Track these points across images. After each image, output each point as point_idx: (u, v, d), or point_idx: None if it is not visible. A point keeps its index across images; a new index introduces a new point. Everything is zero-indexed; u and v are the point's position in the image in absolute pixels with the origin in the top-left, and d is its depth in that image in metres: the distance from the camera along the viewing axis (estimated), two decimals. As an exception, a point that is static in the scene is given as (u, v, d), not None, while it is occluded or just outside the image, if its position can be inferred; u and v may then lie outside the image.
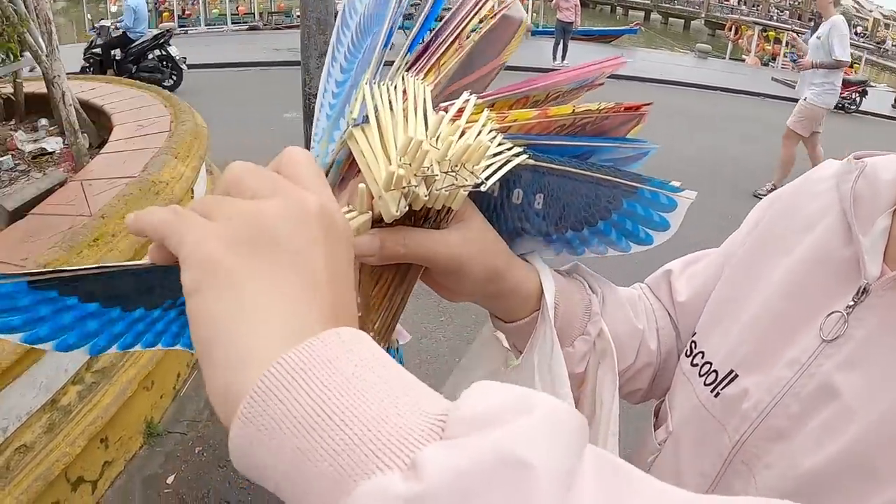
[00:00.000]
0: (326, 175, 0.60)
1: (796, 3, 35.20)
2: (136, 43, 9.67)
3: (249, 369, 0.33)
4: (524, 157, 0.60)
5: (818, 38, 6.74)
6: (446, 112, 0.58)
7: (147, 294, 0.52)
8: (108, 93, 5.36)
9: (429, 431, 0.31)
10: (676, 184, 0.68)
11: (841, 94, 15.20)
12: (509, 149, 0.59)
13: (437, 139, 0.53)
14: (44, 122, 5.26)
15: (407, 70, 0.63)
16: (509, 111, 0.63)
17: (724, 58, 21.32)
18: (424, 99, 0.59)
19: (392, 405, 0.32)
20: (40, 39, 4.25)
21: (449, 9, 0.71)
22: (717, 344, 0.71)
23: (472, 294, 0.66)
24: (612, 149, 0.69)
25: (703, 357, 0.72)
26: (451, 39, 0.65)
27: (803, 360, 0.62)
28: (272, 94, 10.60)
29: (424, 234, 0.57)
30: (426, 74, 0.64)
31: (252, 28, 18.89)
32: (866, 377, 0.58)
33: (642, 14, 40.01)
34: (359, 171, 0.57)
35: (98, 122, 4.90)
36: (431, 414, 0.32)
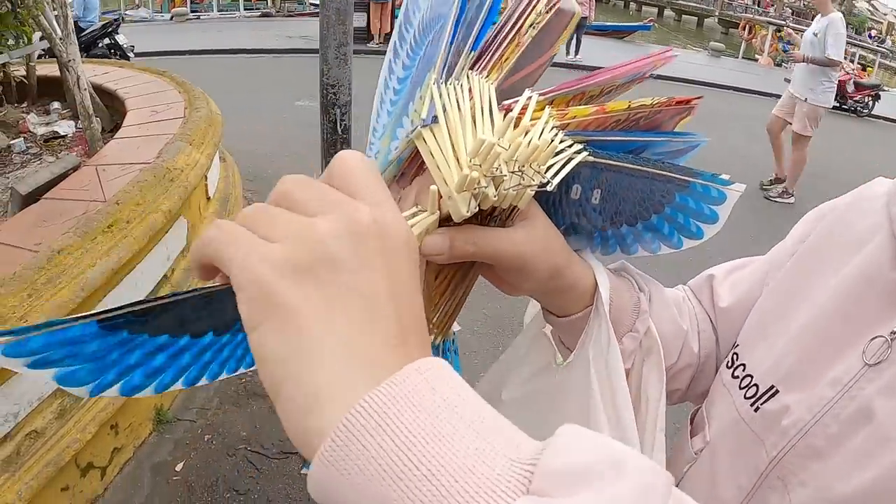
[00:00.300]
0: (385, 171, 0.61)
1: (808, 4, 35.01)
2: (86, 32, 9.59)
3: (326, 410, 0.32)
4: (585, 154, 0.60)
5: (814, 34, 6.62)
6: (510, 110, 0.57)
7: (219, 316, 0.50)
8: (122, 77, 5.35)
9: (516, 482, 0.30)
10: (726, 177, 0.69)
11: (853, 97, 15.29)
12: (570, 146, 0.59)
13: (504, 139, 0.53)
14: (56, 105, 5.26)
15: (471, 68, 0.63)
16: (568, 108, 0.64)
17: (737, 57, 21.22)
18: (490, 98, 0.59)
19: (479, 453, 0.31)
20: (55, 22, 4.24)
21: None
22: (759, 358, 0.71)
23: (532, 289, 0.67)
24: (664, 143, 0.70)
25: (744, 370, 0.71)
26: (511, 35, 0.65)
27: (845, 381, 0.61)
28: (284, 82, 10.59)
29: (492, 232, 0.58)
30: (490, 72, 0.64)
31: (264, 15, 18.86)
32: None
33: (656, 10, 39.90)
34: (420, 166, 0.58)
35: (111, 107, 4.89)
36: (519, 462, 0.31)
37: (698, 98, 0.70)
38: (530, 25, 0.65)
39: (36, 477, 2.17)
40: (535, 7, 0.66)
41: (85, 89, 3.98)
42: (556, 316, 0.71)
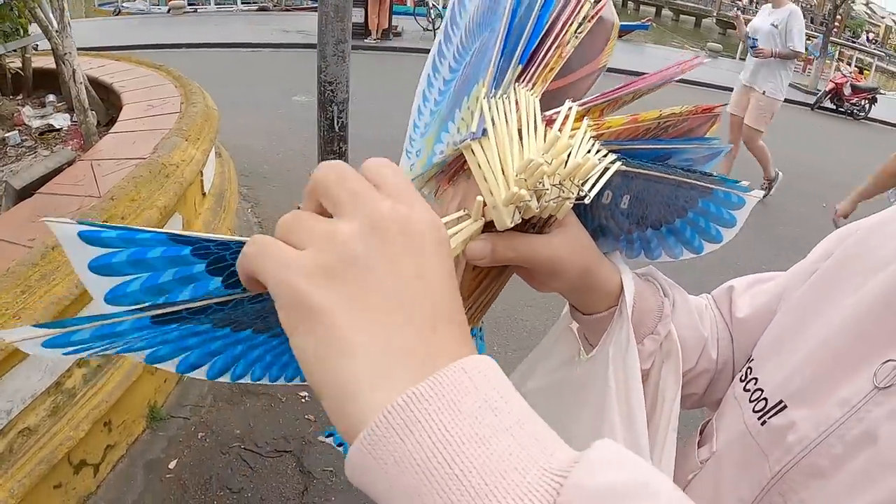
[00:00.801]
0: (428, 171, 0.66)
1: (809, 6, 35.09)
2: None
3: (364, 399, 0.34)
4: (619, 164, 0.63)
5: (774, 25, 6.48)
6: (551, 122, 0.62)
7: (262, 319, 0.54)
8: (118, 70, 5.32)
9: (545, 493, 0.32)
10: (745, 184, 0.74)
11: (850, 100, 15.34)
12: (605, 155, 0.63)
13: (548, 156, 0.56)
14: (51, 98, 5.24)
15: (517, 80, 0.65)
16: (602, 117, 0.67)
17: (734, 58, 21.26)
18: (535, 111, 0.62)
19: (512, 458, 0.33)
20: (51, 15, 4.22)
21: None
22: (772, 373, 0.70)
23: (562, 288, 0.70)
24: (690, 150, 0.73)
25: (756, 383, 0.71)
26: (555, 46, 0.67)
27: (853, 403, 0.60)
28: (281, 77, 10.57)
29: (532, 239, 0.62)
30: (535, 84, 0.65)
31: (262, 9, 18.80)
32: None
33: (654, 10, 39.94)
34: (462, 166, 0.63)
35: (107, 101, 4.87)
36: (550, 472, 0.33)
37: (722, 105, 0.75)
38: (573, 35, 0.67)
39: (29, 475, 2.16)
40: (578, 14, 0.68)
41: (81, 82, 3.95)
42: (581, 313, 0.75)
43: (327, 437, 0.78)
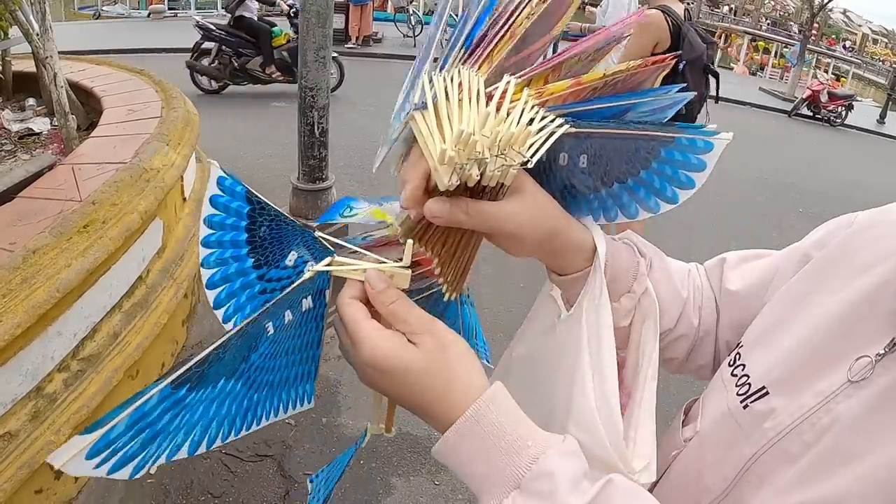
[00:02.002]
0: (391, 150, 0.71)
1: (786, 15, 35.41)
2: None
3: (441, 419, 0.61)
4: (565, 127, 0.65)
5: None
6: (491, 98, 0.65)
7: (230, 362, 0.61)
8: (99, 75, 5.29)
9: (519, 474, 0.56)
10: (713, 127, 0.74)
11: (827, 107, 15.51)
12: (552, 120, 0.65)
13: (487, 128, 0.60)
14: (31, 101, 5.19)
15: (463, 63, 0.69)
16: (546, 85, 0.70)
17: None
18: (479, 88, 0.65)
19: (508, 454, 0.56)
20: (31, 17, 4.19)
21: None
22: (758, 360, 0.73)
23: (532, 252, 0.74)
24: (646, 102, 0.73)
25: (743, 369, 0.74)
26: (504, 31, 0.70)
27: (826, 394, 0.63)
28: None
29: (483, 204, 0.66)
30: (480, 66, 0.69)
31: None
32: (875, 425, 0.59)
33: (633, 17, 40.04)
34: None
35: (87, 105, 4.84)
36: (523, 463, 0.56)
37: (674, 56, 0.75)
38: (526, 17, 0.70)
39: (10, 479, 2.14)
40: (529, 2, 0.71)
41: (62, 86, 3.93)
42: (557, 275, 0.79)
43: (311, 481, 0.84)
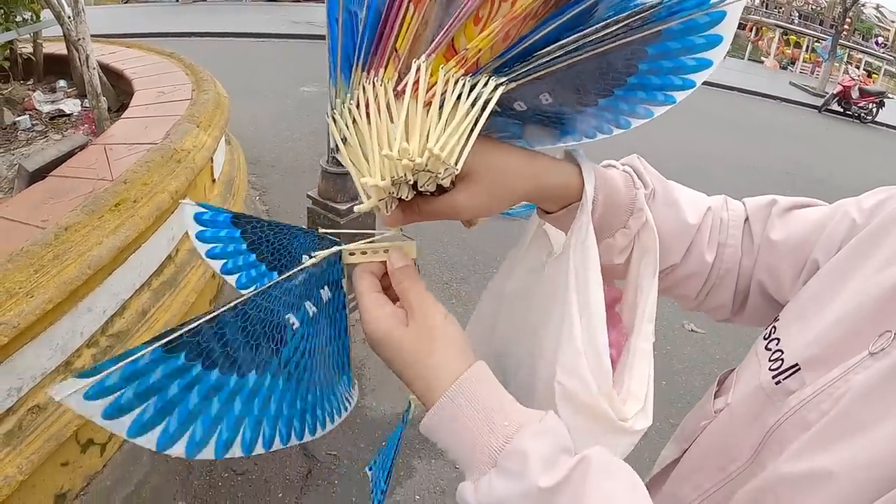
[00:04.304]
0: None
1: (819, 10, 34.93)
2: None
3: (434, 392, 0.62)
4: (498, 91, 0.61)
5: None
6: (402, 94, 0.61)
7: (255, 349, 0.58)
8: (129, 57, 5.35)
9: (494, 453, 0.58)
10: None
11: (857, 103, 15.29)
12: (485, 84, 0.61)
13: (405, 144, 0.58)
14: (62, 83, 5.26)
15: (365, 72, 0.64)
16: (469, 44, 0.60)
17: (742, 58, 21.19)
18: (388, 100, 0.62)
19: (485, 434, 0.59)
20: (63, 0, 4.24)
21: None
22: (793, 336, 0.73)
23: (509, 207, 0.73)
24: None
25: (777, 343, 0.74)
26: (395, 20, 0.61)
27: (849, 366, 0.63)
28: (289, 67, 10.58)
29: (433, 201, 0.67)
30: (386, 68, 0.63)
31: (271, -1, 18.82)
32: (888, 396, 0.59)
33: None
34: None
35: (117, 87, 4.90)
36: (498, 442, 0.58)
37: None
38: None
39: (37, 451, 2.18)
40: None
41: (94, 68, 3.98)
42: (546, 213, 0.77)
43: (368, 470, 0.83)
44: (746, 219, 0.85)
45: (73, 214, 2.46)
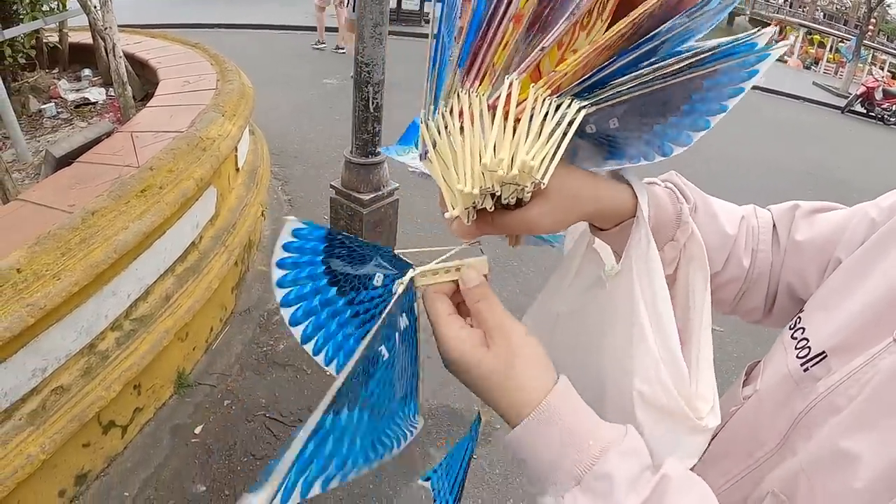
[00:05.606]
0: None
1: (844, 10, 34.59)
2: None
3: (519, 415, 0.63)
4: (582, 113, 0.63)
5: None
6: (494, 107, 0.61)
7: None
8: (154, 47, 5.40)
9: (580, 473, 0.59)
10: (764, 40, 0.66)
11: (881, 104, 15.14)
12: (569, 105, 0.62)
13: (499, 157, 0.59)
14: (87, 72, 5.32)
15: (461, 83, 0.63)
16: (558, 66, 0.62)
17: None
18: (482, 112, 0.62)
19: (571, 451, 0.60)
20: (90, -10, 4.28)
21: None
22: (819, 325, 0.74)
23: (575, 224, 0.77)
24: (684, 33, 0.65)
25: (803, 332, 0.75)
26: (495, 35, 0.61)
27: (873, 353, 0.65)
28: (312, 59, 10.62)
29: (508, 215, 0.69)
30: (482, 81, 0.63)
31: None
32: None
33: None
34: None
35: (142, 76, 4.94)
36: (584, 462, 0.59)
37: None
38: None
39: (60, 431, 2.22)
40: None
41: (120, 57, 4.02)
42: (600, 230, 0.79)
43: (425, 481, 0.77)
44: (774, 225, 0.88)
45: (100, 199, 2.49)
